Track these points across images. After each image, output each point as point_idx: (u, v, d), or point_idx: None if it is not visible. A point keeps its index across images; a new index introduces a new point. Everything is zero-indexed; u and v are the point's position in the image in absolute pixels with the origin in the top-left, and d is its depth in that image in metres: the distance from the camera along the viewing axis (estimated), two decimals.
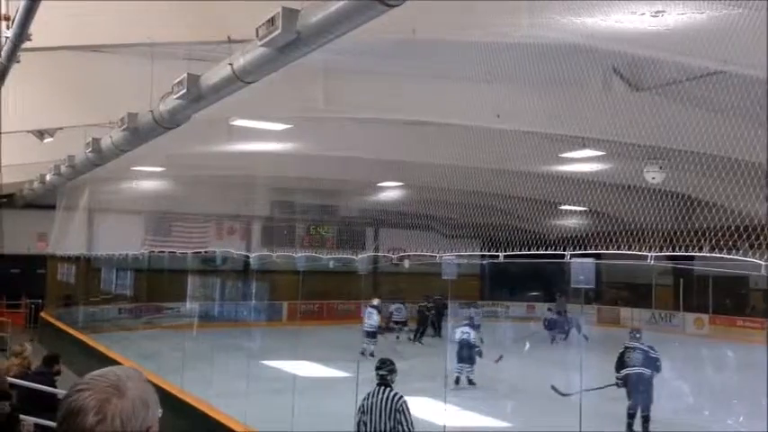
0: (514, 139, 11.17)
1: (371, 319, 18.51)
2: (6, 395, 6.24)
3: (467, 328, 14.77)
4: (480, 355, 14.43)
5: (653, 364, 10.63)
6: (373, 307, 18.94)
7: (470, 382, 14.42)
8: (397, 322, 21.69)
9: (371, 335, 18.30)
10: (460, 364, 14.32)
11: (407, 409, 6.47)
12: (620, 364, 10.79)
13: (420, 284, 22.69)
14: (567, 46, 7.31)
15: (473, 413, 11.78)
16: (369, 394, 6.65)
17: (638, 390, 10.46)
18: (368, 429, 6.50)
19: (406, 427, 6.40)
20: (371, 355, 16.48)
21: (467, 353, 14.35)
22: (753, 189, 7.70)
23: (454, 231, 15.34)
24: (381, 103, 10.35)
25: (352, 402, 7.00)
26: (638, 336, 11.24)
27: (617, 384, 10.81)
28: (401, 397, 6.52)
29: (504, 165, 12.59)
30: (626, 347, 10.93)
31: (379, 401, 6.51)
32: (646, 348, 10.85)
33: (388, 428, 6.41)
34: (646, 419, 10.41)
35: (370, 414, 6.50)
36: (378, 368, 6.81)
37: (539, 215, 14.41)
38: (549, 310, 24.69)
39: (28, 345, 9.47)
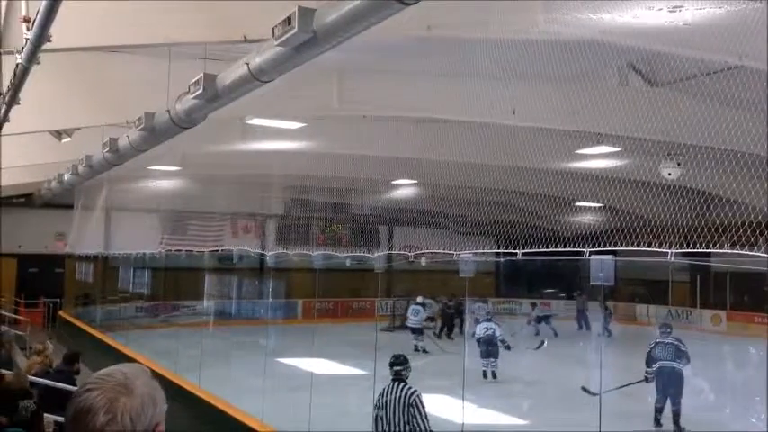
0: (530, 135, 11.14)
1: (418, 315, 19.27)
2: (28, 393, 6.32)
3: (491, 324, 15.10)
4: (509, 348, 14.82)
5: (684, 357, 10.76)
6: (418, 304, 19.75)
7: (494, 375, 14.72)
8: (413, 329, 20.34)
9: (417, 331, 19.02)
10: (487, 359, 14.70)
11: (422, 403, 6.52)
12: (651, 358, 10.86)
13: (436, 282, 22.69)
14: (584, 42, 7.27)
15: (490, 410, 11.78)
16: (384, 390, 6.72)
17: (669, 383, 10.58)
18: (384, 424, 6.56)
19: (420, 421, 6.45)
20: (424, 350, 17.75)
21: (492, 348, 14.72)
22: None
23: (469, 229, 15.31)
24: (395, 101, 10.35)
25: (369, 399, 7.03)
26: (668, 331, 11.33)
27: (646, 379, 10.87)
28: (415, 391, 6.57)
29: (520, 162, 12.54)
30: (657, 342, 10.99)
31: (393, 397, 6.56)
32: (676, 342, 10.93)
33: (402, 423, 6.46)
34: (677, 413, 10.50)
35: (386, 409, 6.57)
36: (392, 364, 6.88)
37: (554, 212, 14.36)
38: (533, 305, 25.37)
39: (49, 343, 9.57)
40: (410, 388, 6.62)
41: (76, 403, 1.48)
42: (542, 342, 14.87)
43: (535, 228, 9.34)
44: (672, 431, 10.53)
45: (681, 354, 10.79)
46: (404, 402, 6.50)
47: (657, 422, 10.72)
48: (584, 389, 11.11)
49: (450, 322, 23.21)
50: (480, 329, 15.05)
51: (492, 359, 14.73)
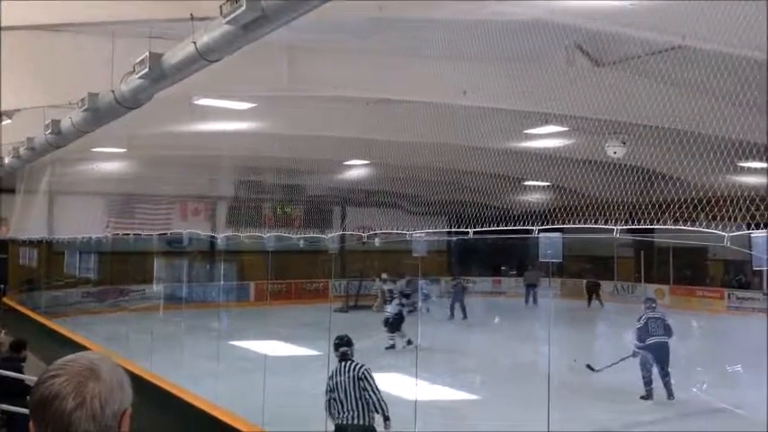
0: (480, 115, 11.24)
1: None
2: None
3: (396, 301, 16.73)
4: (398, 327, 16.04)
5: (669, 330, 11.34)
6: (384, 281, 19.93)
7: (409, 342, 15.63)
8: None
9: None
10: (393, 333, 16.16)
11: (371, 375, 6.67)
12: (646, 333, 11.21)
13: (390, 262, 22.83)
14: (531, 22, 7.36)
15: (443, 387, 11.96)
16: (334, 372, 6.81)
17: (660, 356, 11.05)
18: (337, 405, 6.65)
19: (372, 393, 6.56)
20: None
21: (396, 324, 16.14)
22: (712, 162, 7.88)
23: (421, 209, 15.41)
24: (347, 80, 10.31)
25: (323, 380, 7.07)
26: (654, 306, 11.85)
27: (634, 354, 11.26)
28: (362, 366, 6.71)
29: (470, 141, 12.65)
30: (648, 318, 11.38)
31: (343, 378, 6.66)
32: (663, 317, 11.51)
33: (354, 399, 6.56)
34: (668, 383, 11.00)
35: (337, 391, 6.66)
36: (337, 345, 6.99)
37: (504, 191, 14.54)
38: (383, 280, 23.87)
39: (3, 334, 9.35)
40: (358, 363, 6.75)
41: (42, 390, 1.44)
42: (409, 341, 15.58)
43: (486, 207, 9.45)
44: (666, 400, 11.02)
45: (667, 328, 11.33)
46: (354, 378, 6.60)
47: (650, 394, 11.14)
48: (589, 366, 11.86)
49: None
50: (392, 307, 16.50)
51: (398, 333, 16.06)
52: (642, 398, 11.16)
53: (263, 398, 8.31)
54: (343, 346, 6.97)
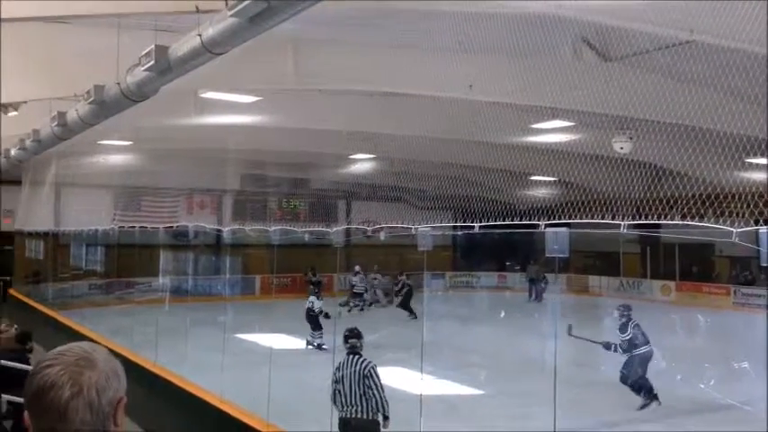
0: (486, 110, 11.20)
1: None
2: None
3: (312, 298, 15.90)
4: (328, 316, 15.27)
5: (647, 339, 10.72)
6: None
7: (320, 346, 15.24)
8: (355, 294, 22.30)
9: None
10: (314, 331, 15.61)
11: (376, 374, 6.72)
12: (633, 344, 10.57)
13: (395, 256, 22.82)
14: (538, 16, 7.32)
15: (448, 381, 11.96)
16: (341, 364, 6.86)
17: (643, 366, 10.54)
18: (341, 398, 6.72)
19: (375, 392, 6.60)
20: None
21: (314, 321, 15.55)
22: (718, 158, 7.83)
23: (426, 203, 15.37)
24: (352, 74, 10.28)
25: (329, 373, 7.08)
26: (630, 312, 10.94)
27: (609, 346, 10.72)
28: (369, 363, 6.75)
29: (476, 136, 12.62)
30: (634, 326, 10.72)
31: (349, 371, 6.71)
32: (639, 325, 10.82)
33: (358, 395, 6.61)
34: (650, 389, 10.46)
35: (342, 383, 6.73)
36: (347, 337, 7.02)
37: (509, 186, 14.48)
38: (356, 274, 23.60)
39: (14, 326, 9.40)
40: (365, 360, 6.79)
41: (37, 380, 1.44)
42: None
43: (492, 201, 9.42)
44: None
45: (645, 337, 10.74)
46: (359, 374, 6.65)
47: (649, 393, 10.50)
48: (570, 328, 11.00)
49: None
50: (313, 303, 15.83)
51: (317, 331, 15.46)
52: (645, 405, 10.44)
53: (268, 391, 8.31)
54: (352, 338, 6.99)
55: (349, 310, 21.36)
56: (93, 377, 1.46)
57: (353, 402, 6.63)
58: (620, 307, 11.24)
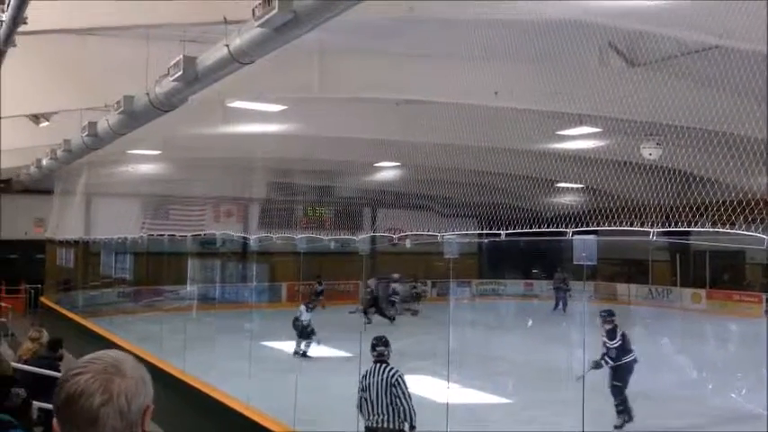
0: (512, 116, 11.16)
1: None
2: (19, 381, 6.30)
3: (302, 308, 15.82)
4: (314, 332, 15.31)
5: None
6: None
7: (305, 354, 15.29)
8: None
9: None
10: (299, 339, 15.50)
11: (404, 382, 6.66)
12: (623, 350, 10.02)
13: (421, 264, 22.79)
14: (564, 22, 7.28)
15: (475, 390, 11.88)
16: (367, 372, 6.82)
17: (629, 375, 10.03)
18: (368, 406, 6.68)
19: (403, 401, 6.55)
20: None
21: (300, 330, 15.45)
22: (749, 164, 7.71)
23: (451, 210, 15.35)
24: (378, 82, 10.31)
25: (355, 381, 7.08)
26: (613, 318, 10.31)
27: (595, 365, 9.87)
28: (396, 371, 6.69)
29: (502, 143, 12.58)
30: (623, 333, 10.12)
31: (377, 379, 6.66)
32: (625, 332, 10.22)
33: (385, 404, 6.57)
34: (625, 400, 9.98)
35: (369, 391, 6.68)
36: (374, 345, 6.96)
37: (536, 193, 14.44)
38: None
39: (45, 331, 9.52)
40: (392, 369, 6.74)
41: (67, 387, 1.46)
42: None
43: (518, 209, 9.39)
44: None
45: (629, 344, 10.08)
46: (387, 383, 6.60)
47: (628, 414, 9.95)
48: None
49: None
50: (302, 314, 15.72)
51: (303, 340, 15.42)
52: (618, 427, 9.83)
53: (294, 398, 8.34)
54: (380, 346, 6.93)
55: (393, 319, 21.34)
56: (123, 384, 1.47)
57: (380, 411, 6.60)
58: (603, 312, 10.44)
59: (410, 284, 24.94)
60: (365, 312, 21.46)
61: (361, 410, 6.81)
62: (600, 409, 9.18)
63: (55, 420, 1.49)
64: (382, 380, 6.64)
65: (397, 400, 6.57)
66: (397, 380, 6.62)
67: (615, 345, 9.97)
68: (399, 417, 6.58)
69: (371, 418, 6.66)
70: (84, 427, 1.44)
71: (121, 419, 1.45)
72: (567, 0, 6.91)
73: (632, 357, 10.08)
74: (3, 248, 23.66)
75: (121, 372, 1.49)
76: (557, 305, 25.18)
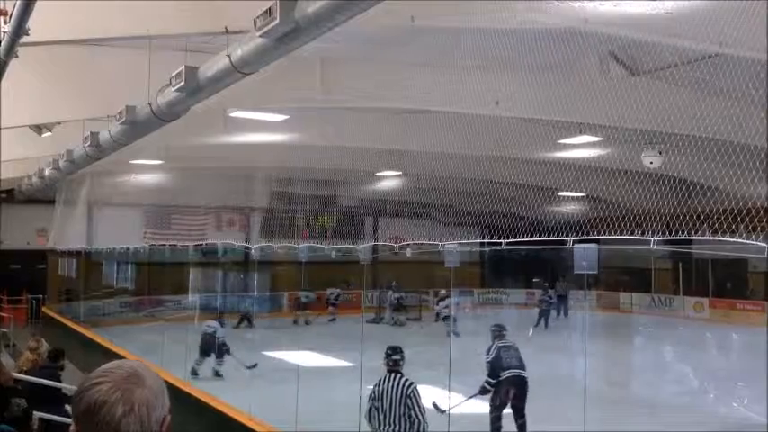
0: (513, 125, 11.17)
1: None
2: (20, 391, 6.30)
3: (213, 323, 14.39)
4: (229, 352, 13.83)
5: (523, 361, 9.56)
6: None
7: (217, 374, 13.90)
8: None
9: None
10: (202, 357, 13.95)
11: (418, 395, 6.60)
12: (499, 366, 9.38)
13: (422, 273, 22.75)
14: (564, 31, 7.30)
15: (477, 400, 11.83)
16: (380, 381, 6.74)
17: (518, 392, 9.39)
18: (379, 415, 6.58)
19: (417, 412, 6.50)
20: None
21: (207, 347, 13.92)
22: (751, 172, 7.71)
23: (453, 219, 15.34)
24: (379, 91, 10.33)
25: (356, 391, 7.06)
26: (504, 333, 9.86)
27: (483, 390, 9.45)
28: (412, 383, 6.64)
29: (503, 152, 12.57)
30: (500, 347, 9.51)
31: (390, 388, 6.59)
32: (516, 347, 9.68)
33: (398, 414, 6.50)
34: (523, 426, 9.39)
35: (382, 400, 6.58)
36: (389, 355, 6.89)
37: (537, 202, 14.42)
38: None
39: (44, 341, 9.52)
40: (407, 380, 6.67)
41: (87, 398, 1.45)
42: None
43: (519, 218, 9.38)
44: None
45: (521, 359, 9.55)
46: (401, 394, 6.54)
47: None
48: (435, 405, 9.17)
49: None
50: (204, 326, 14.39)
51: (206, 357, 13.98)
52: None
53: (296, 407, 8.33)
54: (396, 354, 6.88)
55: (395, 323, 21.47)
56: (144, 394, 1.47)
57: (392, 422, 6.50)
58: (497, 327, 10.01)
59: (397, 295, 24.87)
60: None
61: (369, 420, 6.70)
62: (603, 418, 9.16)
63: (72, 429, 1.48)
64: (397, 390, 6.56)
65: (411, 411, 6.49)
66: (412, 391, 6.57)
67: (487, 359, 9.52)
68: (411, 428, 6.50)
69: (382, 427, 6.56)
70: None
71: (142, 430, 1.45)
72: (567, 9, 6.94)
73: (509, 375, 9.38)
74: (5, 259, 23.68)
75: (142, 381, 1.49)
76: (539, 321, 23.61)
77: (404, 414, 6.48)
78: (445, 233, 11.97)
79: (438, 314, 15.17)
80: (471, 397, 9.58)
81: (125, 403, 1.44)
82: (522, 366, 9.48)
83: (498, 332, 9.83)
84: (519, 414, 9.41)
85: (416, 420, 6.48)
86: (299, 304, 23.77)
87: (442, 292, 21.49)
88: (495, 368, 9.39)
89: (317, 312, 24.15)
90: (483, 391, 9.43)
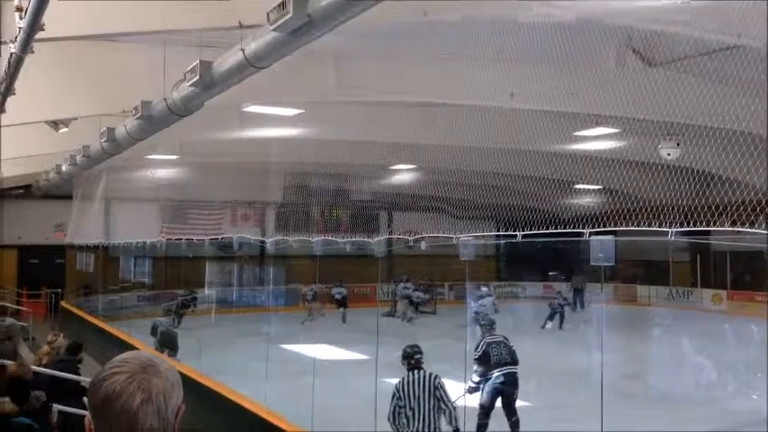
0: (528, 118, 11.12)
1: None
2: (39, 384, 6.37)
3: (163, 319, 14.33)
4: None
5: (515, 356, 9.35)
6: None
7: None
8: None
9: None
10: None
11: (444, 384, 6.63)
12: (488, 363, 9.17)
13: (437, 266, 22.75)
14: (581, 22, 7.24)
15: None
16: (403, 380, 6.69)
17: (509, 390, 9.20)
18: (407, 413, 6.51)
19: (448, 404, 6.52)
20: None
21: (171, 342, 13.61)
22: None
23: (468, 213, 15.29)
24: (393, 85, 10.32)
25: (372, 384, 7.07)
26: (493, 327, 9.72)
27: (470, 389, 9.14)
28: (436, 375, 6.66)
29: (518, 144, 12.51)
30: (489, 343, 9.32)
31: (417, 385, 6.56)
32: (506, 341, 9.49)
33: (428, 409, 6.48)
34: (516, 423, 9.21)
35: (409, 399, 6.52)
36: (411, 355, 6.87)
37: (553, 194, 14.34)
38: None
39: (62, 335, 9.64)
40: (431, 373, 6.68)
41: (104, 388, 1.46)
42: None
43: (535, 210, 9.33)
44: None
45: (513, 353, 9.31)
46: (429, 387, 6.53)
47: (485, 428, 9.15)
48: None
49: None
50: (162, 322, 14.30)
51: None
52: None
53: (312, 400, 8.35)
54: (417, 353, 6.87)
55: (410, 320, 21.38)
56: (160, 384, 1.48)
57: (421, 418, 6.46)
58: (484, 323, 9.88)
59: (407, 290, 24.80)
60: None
61: (394, 421, 6.60)
62: (621, 413, 9.11)
63: (88, 420, 1.49)
64: (425, 386, 6.55)
65: (441, 403, 6.52)
66: (439, 383, 6.60)
67: (474, 356, 9.33)
68: (446, 420, 6.52)
69: (411, 425, 6.49)
70: (123, 427, 1.44)
71: (159, 419, 1.46)
72: (584, 0, 6.88)
73: (499, 372, 9.18)
74: (24, 254, 23.95)
75: (158, 371, 1.50)
76: (575, 305, 23.98)
77: (434, 407, 6.48)
78: (460, 226, 11.94)
79: (477, 313, 14.68)
80: (460, 398, 9.03)
81: (143, 393, 1.45)
82: (514, 362, 9.23)
83: (487, 327, 9.65)
84: (511, 412, 9.20)
85: (446, 410, 6.49)
86: (308, 299, 23.82)
87: (483, 289, 20.95)
88: (482, 365, 9.17)
89: (326, 306, 24.17)
90: (471, 391, 9.15)
